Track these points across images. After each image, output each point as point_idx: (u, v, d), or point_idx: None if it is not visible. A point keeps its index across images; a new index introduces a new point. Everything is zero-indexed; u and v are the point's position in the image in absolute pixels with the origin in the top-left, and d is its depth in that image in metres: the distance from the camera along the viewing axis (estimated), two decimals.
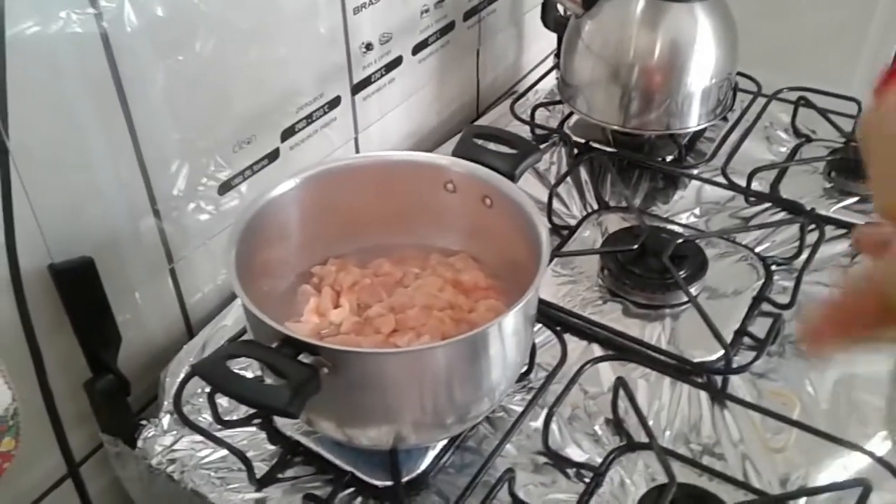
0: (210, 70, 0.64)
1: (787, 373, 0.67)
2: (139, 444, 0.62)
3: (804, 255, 0.76)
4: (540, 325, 0.70)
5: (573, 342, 0.70)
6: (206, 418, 0.63)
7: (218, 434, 0.61)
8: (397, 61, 0.86)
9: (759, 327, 0.70)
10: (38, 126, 0.53)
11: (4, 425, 0.46)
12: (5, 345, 0.48)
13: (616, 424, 0.63)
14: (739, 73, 0.97)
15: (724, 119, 0.95)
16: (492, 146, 0.64)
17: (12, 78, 0.50)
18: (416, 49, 0.88)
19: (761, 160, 0.89)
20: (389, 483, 0.57)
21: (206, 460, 0.61)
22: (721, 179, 0.87)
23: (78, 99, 0.56)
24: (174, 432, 0.63)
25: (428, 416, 0.53)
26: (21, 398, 0.50)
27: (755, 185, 0.85)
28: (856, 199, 0.84)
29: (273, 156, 0.74)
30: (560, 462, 0.60)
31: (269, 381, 0.52)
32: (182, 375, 0.66)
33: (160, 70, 0.60)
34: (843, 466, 0.59)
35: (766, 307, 0.72)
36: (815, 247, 0.77)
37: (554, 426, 0.63)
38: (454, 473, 0.60)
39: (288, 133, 0.74)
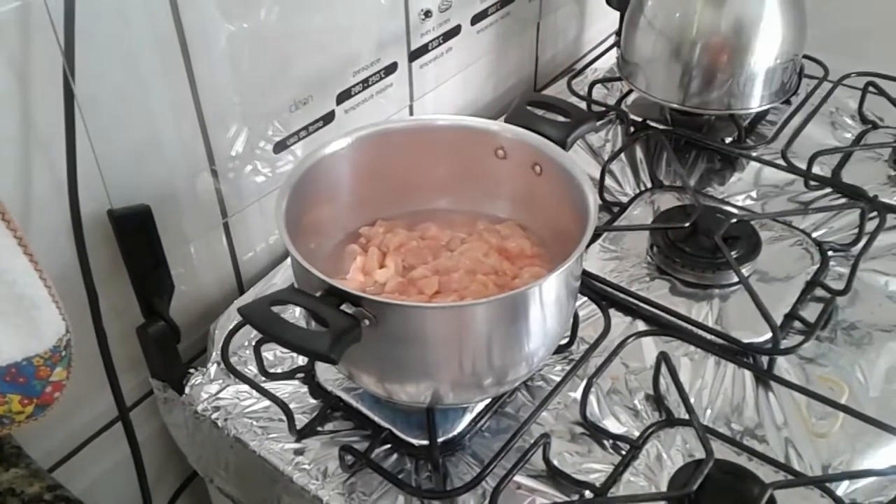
0: (272, 36, 0.65)
1: (836, 359, 0.66)
2: (186, 390, 0.64)
3: (862, 242, 0.74)
4: (584, 299, 0.70)
5: (617, 317, 0.70)
6: (251, 370, 0.65)
7: (262, 385, 0.63)
8: (455, 30, 0.86)
9: (811, 312, 0.69)
10: (105, 75, 0.55)
11: (58, 355, 0.48)
12: (63, 285, 0.50)
13: (656, 400, 0.63)
14: (806, 57, 0.94)
15: (788, 102, 0.92)
16: (546, 114, 0.64)
17: (81, 27, 0.51)
18: (476, 19, 0.88)
19: (824, 145, 0.87)
20: (425, 442, 0.58)
21: (249, 410, 0.63)
22: (781, 162, 0.84)
23: (144, 53, 0.57)
24: (220, 381, 0.65)
25: (466, 376, 0.54)
26: (76, 339, 0.52)
27: (816, 170, 0.82)
28: None
29: (328, 118, 0.74)
30: (597, 433, 0.60)
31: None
32: (231, 328, 0.67)
33: (223, 33, 0.62)
34: (889, 455, 0.58)
35: (819, 292, 0.71)
36: (875, 234, 0.75)
37: (592, 397, 0.62)
38: (490, 437, 0.60)
39: (344, 96, 0.75)
